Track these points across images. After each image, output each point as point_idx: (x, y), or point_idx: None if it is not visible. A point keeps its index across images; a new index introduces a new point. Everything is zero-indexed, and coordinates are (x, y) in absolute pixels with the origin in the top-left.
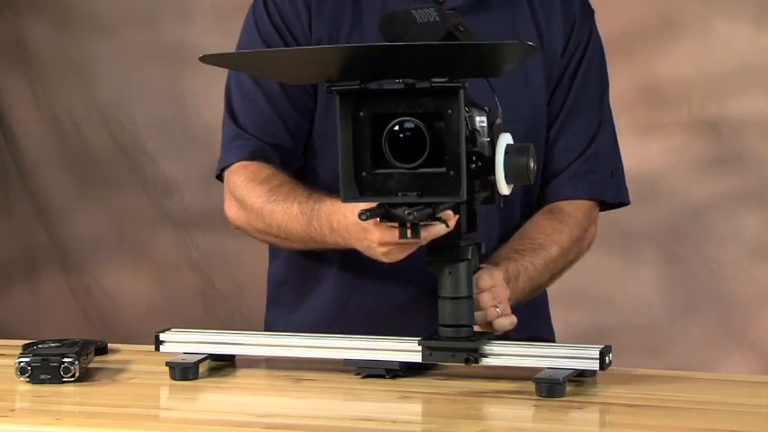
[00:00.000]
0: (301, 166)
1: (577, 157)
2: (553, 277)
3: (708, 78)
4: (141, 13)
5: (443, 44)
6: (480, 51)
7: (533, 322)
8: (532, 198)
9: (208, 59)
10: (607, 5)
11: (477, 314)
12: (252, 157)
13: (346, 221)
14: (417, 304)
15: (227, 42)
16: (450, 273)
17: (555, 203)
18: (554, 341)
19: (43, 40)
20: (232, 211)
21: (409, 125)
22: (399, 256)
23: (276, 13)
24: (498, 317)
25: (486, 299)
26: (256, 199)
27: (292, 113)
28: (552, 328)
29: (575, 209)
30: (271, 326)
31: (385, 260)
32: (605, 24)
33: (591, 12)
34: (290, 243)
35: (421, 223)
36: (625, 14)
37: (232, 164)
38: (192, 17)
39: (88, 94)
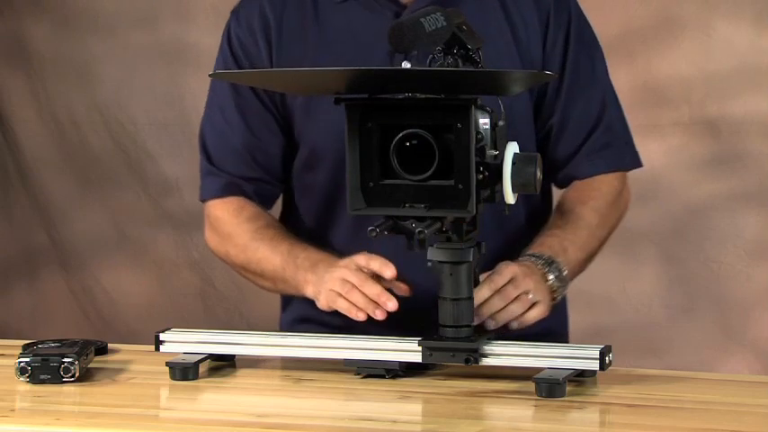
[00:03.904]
0: (303, 183)
1: (588, 134)
2: (602, 243)
3: (708, 78)
4: (141, 14)
5: (458, 71)
6: (492, 76)
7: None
8: (533, 195)
9: (217, 76)
10: (607, 5)
11: (513, 307)
12: (225, 191)
13: (330, 260)
14: (418, 310)
15: None
16: (451, 274)
17: (587, 178)
18: (566, 335)
19: (43, 40)
20: (214, 242)
21: (418, 137)
22: (340, 302)
23: (239, 49)
24: (532, 303)
25: (509, 291)
26: (242, 235)
27: (263, 148)
28: (565, 323)
29: (605, 177)
30: (286, 326)
31: (324, 296)
32: (605, 24)
33: None
34: (262, 280)
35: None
36: (625, 14)
37: (210, 198)
38: (192, 17)
39: (88, 94)
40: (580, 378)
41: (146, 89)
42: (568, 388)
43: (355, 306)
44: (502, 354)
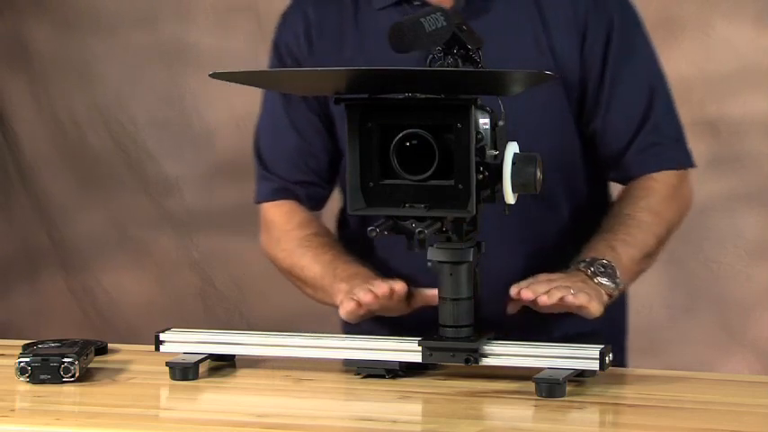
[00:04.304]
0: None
1: (634, 135)
2: (660, 240)
3: (708, 78)
4: (141, 14)
5: (458, 70)
6: (492, 76)
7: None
8: (577, 192)
9: (217, 76)
10: None
11: (556, 290)
12: (277, 195)
13: (368, 275)
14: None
15: (227, 43)
16: (451, 274)
17: (638, 177)
18: (620, 339)
19: (44, 41)
20: (265, 244)
21: (418, 137)
22: (345, 301)
23: (285, 51)
24: (573, 294)
25: (546, 282)
26: (291, 241)
27: (313, 152)
28: (620, 326)
29: (656, 175)
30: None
31: (344, 307)
32: None
33: None
34: (305, 287)
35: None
36: None
37: (263, 201)
38: (192, 17)
39: (88, 94)
40: (580, 378)
41: (146, 89)
42: (568, 388)
43: (354, 298)
44: (502, 354)
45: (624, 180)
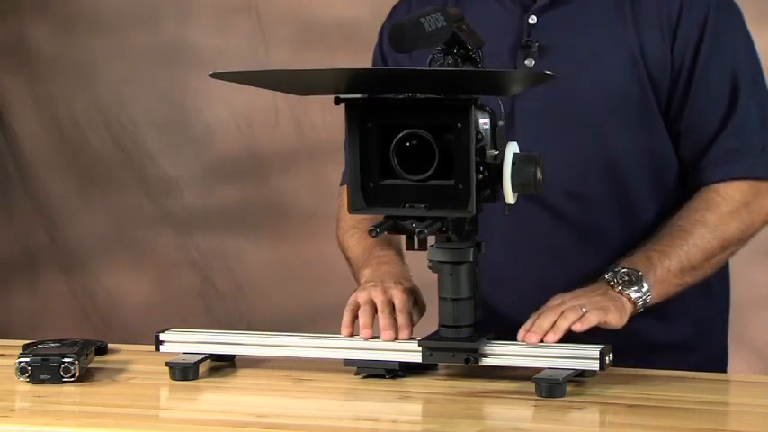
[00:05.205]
0: None
1: (713, 138)
2: (709, 254)
3: None
4: (142, 14)
5: (458, 70)
6: (492, 76)
7: (669, 323)
8: (667, 194)
9: (217, 76)
10: None
11: (562, 320)
12: None
13: (395, 273)
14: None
15: (228, 43)
16: (451, 274)
17: (707, 187)
18: (703, 349)
19: (44, 41)
20: (337, 223)
21: (418, 137)
22: (347, 314)
23: (387, 44)
24: (583, 314)
25: (555, 309)
26: (348, 221)
27: None
28: (702, 335)
29: (726, 187)
30: None
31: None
32: None
33: None
34: (349, 267)
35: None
36: None
37: (342, 185)
38: (192, 18)
39: (89, 94)
40: (580, 378)
41: (146, 89)
42: (568, 388)
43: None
44: (502, 354)
45: (696, 186)
